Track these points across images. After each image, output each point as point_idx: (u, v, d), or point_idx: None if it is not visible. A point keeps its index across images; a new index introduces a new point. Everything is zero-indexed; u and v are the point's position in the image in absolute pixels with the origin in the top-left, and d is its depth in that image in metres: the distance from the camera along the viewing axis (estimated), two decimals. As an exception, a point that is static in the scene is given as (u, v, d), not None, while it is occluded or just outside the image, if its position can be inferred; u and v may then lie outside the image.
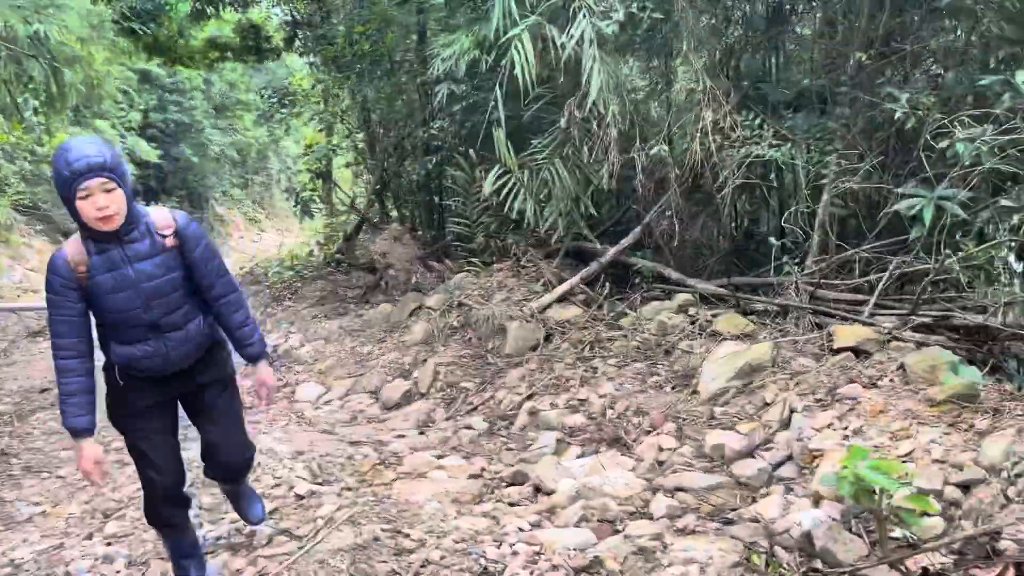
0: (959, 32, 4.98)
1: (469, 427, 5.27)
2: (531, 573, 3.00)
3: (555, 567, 3.01)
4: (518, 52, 5.34)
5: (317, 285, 10.63)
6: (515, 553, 3.14)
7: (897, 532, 2.80)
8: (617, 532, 3.29)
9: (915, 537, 2.74)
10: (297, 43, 14.01)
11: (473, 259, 7.60)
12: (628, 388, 5.01)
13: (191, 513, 3.17)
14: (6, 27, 6.32)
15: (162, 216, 2.84)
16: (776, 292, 4.97)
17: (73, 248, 2.75)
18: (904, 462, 3.08)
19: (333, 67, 11.35)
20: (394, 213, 11.86)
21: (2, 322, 10.30)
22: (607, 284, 6.16)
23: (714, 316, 5.16)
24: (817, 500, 3.16)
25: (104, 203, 2.60)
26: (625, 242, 6.25)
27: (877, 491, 2.64)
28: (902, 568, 2.57)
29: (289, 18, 13.96)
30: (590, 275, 6.37)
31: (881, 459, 2.71)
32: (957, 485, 2.91)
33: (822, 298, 4.66)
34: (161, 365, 2.89)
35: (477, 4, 6.74)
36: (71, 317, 2.78)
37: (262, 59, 14.48)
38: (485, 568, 3.03)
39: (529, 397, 5.43)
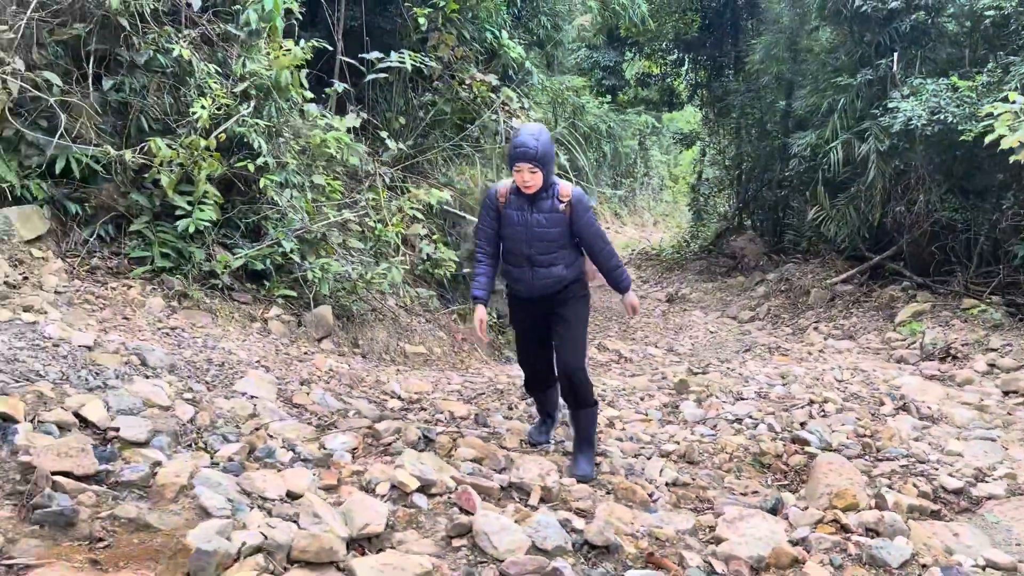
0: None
1: (781, 332, 11.04)
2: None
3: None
4: (834, 152, 10.90)
5: (696, 264, 16.81)
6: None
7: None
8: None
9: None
10: (696, 99, 20.30)
11: (798, 255, 13.22)
12: (864, 321, 10.36)
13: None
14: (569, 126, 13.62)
15: (566, 188, 3.74)
16: (951, 283, 9.96)
17: (504, 186, 3.80)
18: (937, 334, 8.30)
19: (723, 119, 17.49)
20: (747, 223, 17.58)
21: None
22: (869, 274, 11.43)
23: (917, 293, 10.26)
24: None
25: (527, 180, 3.60)
26: (886, 253, 11.42)
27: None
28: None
29: (693, 81, 20.27)
30: (863, 269, 11.64)
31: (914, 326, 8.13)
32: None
33: (971, 287, 9.62)
34: (527, 290, 3.85)
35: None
36: (487, 229, 3.81)
37: (671, 109, 21.09)
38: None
39: (816, 323, 11.00)
